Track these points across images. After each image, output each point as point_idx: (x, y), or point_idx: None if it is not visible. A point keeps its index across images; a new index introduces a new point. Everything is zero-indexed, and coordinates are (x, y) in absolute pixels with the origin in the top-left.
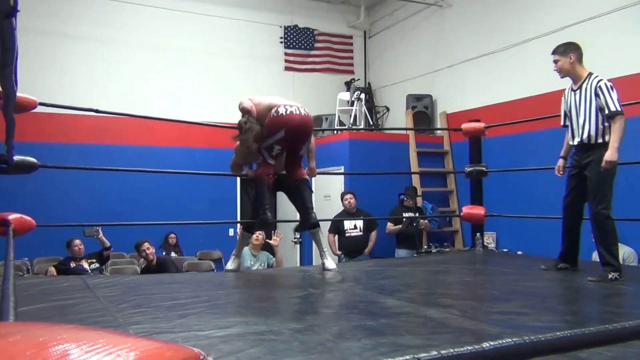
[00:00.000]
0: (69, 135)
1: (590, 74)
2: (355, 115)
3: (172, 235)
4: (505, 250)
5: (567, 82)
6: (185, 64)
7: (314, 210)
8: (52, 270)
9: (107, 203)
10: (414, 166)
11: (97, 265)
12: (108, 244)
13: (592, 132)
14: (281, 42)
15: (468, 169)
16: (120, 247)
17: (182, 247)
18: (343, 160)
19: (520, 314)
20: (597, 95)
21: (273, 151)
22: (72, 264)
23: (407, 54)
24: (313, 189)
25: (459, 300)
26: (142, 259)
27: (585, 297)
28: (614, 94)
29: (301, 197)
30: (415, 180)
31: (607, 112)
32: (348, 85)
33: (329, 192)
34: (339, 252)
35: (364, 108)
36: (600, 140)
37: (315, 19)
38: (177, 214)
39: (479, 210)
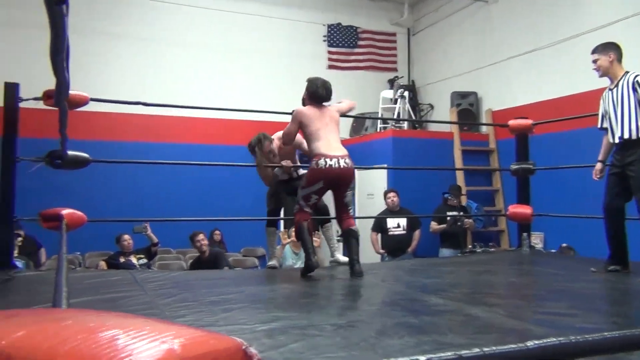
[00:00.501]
0: (118, 134)
1: (626, 72)
2: (398, 113)
3: (217, 232)
4: (553, 250)
5: (606, 83)
6: (229, 62)
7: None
8: (103, 264)
9: (154, 200)
10: (459, 164)
11: (145, 260)
12: (156, 240)
13: (633, 128)
14: (324, 41)
15: (514, 167)
16: (167, 242)
17: (226, 244)
18: (386, 159)
19: (567, 315)
20: (635, 90)
21: (310, 200)
22: (121, 259)
23: (451, 50)
24: (357, 186)
25: (504, 300)
26: (191, 254)
27: (636, 299)
28: None
29: (348, 248)
30: (460, 179)
31: None
32: (391, 83)
33: (372, 190)
34: (381, 251)
35: (407, 106)
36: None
37: (359, 17)
38: (222, 211)
39: (525, 210)
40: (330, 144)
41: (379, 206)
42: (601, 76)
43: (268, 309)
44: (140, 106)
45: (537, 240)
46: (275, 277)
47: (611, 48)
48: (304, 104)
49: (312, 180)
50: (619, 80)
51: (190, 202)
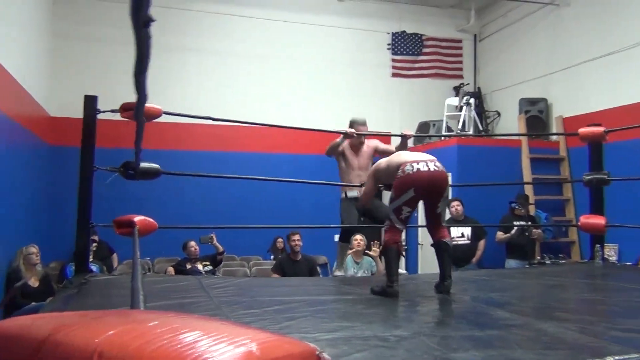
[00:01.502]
0: (187, 143)
1: None
2: (464, 121)
3: (280, 240)
4: (628, 263)
5: None
6: (293, 72)
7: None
8: (170, 270)
9: (219, 207)
10: (527, 173)
11: (210, 267)
12: (222, 249)
13: None
14: (388, 49)
15: (587, 177)
16: (232, 249)
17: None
18: (451, 167)
19: None
20: None
21: (402, 214)
22: (188, 265)
23: (520, 56)
24: None
25: (575, 315)
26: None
27: None
28: None
29: (440, 261)
30: (528, 188)
31: None
32: (457, 90)
33: None
34: None
35: (473, 113)
36: None
37: (424, 24)
38: (285, 219)
39: (598, 220)
40: (413, 153)
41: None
42: None
43: (331, 319)
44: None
45: (611, 252)
46: (338, 286)
47: None
48: None
49: (401, 189)
50: None
51: (254, 209)
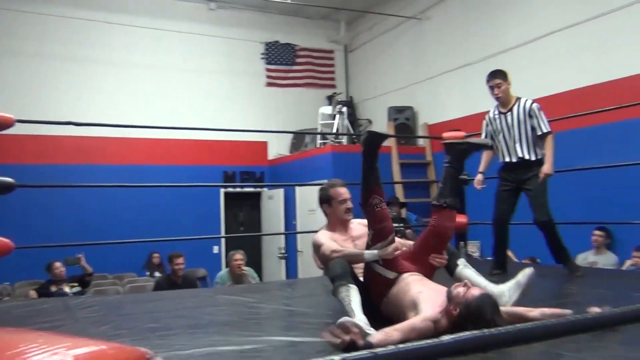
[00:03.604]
0: (51, 157)
1: (517, 97)
2: (337, 129)
3: (156, 255)
4: (489, 258)
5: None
6: (165, 81)
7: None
8: (33, 293)
9: (87, 224)
10: (397, 177)
11: (79, 288)
12: (90, 270)
13: (532, 150)
14: (262, 58)
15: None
16: (103, 268)
17: (165, 267)
18: (326, 174)
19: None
20: (530, 117)
21: None
22: (53, 288)
23: (387, 66)
24: (298, 202)
25: None
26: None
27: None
28: (544, 115)
29: None
30: (399, 192)
31: (540, 132)
32: (330, 99)
33: (313, 206)
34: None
35: (346, 121)
36: (534, 158)
37: (296, 35)
38: (161, 234)
39: (461, 219)
40: None
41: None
42: (501, 100)
43: (207, 333)
44: (72, 127)
45: (474, 248)
46: (214, 299)
47: (507, 76)
48: None
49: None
50: (512, 106)
51: (126, 225)
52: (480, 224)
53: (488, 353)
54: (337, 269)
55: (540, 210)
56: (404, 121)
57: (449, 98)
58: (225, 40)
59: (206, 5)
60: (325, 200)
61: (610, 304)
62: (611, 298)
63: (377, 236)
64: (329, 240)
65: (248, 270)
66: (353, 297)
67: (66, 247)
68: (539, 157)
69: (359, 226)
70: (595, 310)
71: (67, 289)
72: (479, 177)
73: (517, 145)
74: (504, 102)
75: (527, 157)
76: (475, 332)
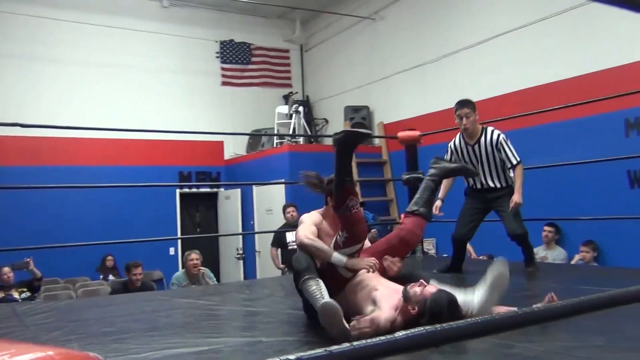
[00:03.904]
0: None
1: (483, 128)
2: (294, 128)
3: (110, 258)
4: (445, 255)
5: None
6: (118, 80)
7: None
8: None
9: (36, 227)
10: (354, 177)
11: (29, 294)
12: (39, 274)
13: (502, 180)
14: (217, 57)
15: (405, 177)
16: (54, 272)
17: (120, 270)
18: (283, 173)
19: None
20: (498, 150)
21: None
22: (1, 294)
23: (343, 66)
24: (255, 202)
25: None
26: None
27: None
28: (511, 146)
29: None
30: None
31: (509, 165)
32: (286, 98)
33: (270, 205)
34: (282, 266)
35: (302, 121)
36: (504, 185)
37: (251, 34)
38: (115, 236)
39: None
40: None
41: (278, 221)
42: (468, 132)
43: (163, 335)
44: (18, 128)
45: (430, 246)
46: (171, 301)
47: (475, 106)
48: None
49: None
50: (479, 137)
51: (78, 227)
52: (435, 221)
53: (441, 347)
54: (302, 261)
55: (517, 225)
56: (360, 120)
57: (404, 97)
58: (179, 39)
59: (158, 2)
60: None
61: (560, 296)
62: (561, 291)
63: (350, 239)
64: (311, 226)
65: (205, 271)
66: (323, 291)
67: (14, 251)
68: (509, 183)
69: None
70: (539, 305)
71: (15, 295)
72: (438, 203)
73: (487, 177)
74: (471, 134)
75: (496, 185)
76: (428, 327)
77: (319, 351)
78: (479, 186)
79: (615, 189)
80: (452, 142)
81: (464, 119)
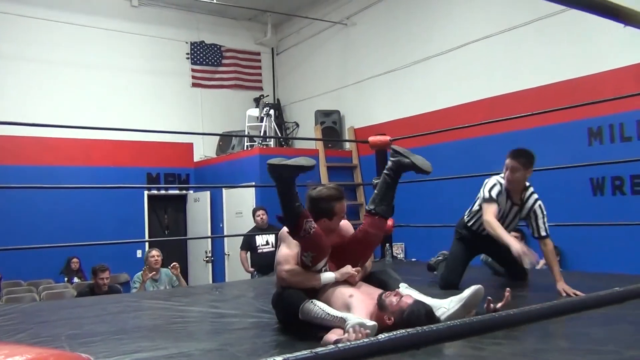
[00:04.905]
0: None
1: (527, 186)
2: (265, 132)
3: (75, 260)
4: (413, 259)
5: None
6: (87, 80)
7: None
8: None
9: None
10: (324, 181)
11: None
12: None
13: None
14: (187, 58)
15: (375, 181)
16: (16, 274)
17: (85, 272)
18: (254, 176)
19: None
20: (529, 216)
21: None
22: None
23: (314, 70)
24: (225, 205)
25: None
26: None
27: None
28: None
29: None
30: None
31: (537, 235)
32: (257, 101)
33: (240, 208)
34: (251, 269)
35: (273, 124)
36: None
37: (222, 35)
38: (81, 238)
39: (387, 222)
40: None
41: (248, 224)
42: (513, 186)
43: (132, 338)
44: None
45: (398, 250)
46: (141, 302)
47: (533, 165)
48: None
49: None
50: (524, 197)
51: (43, 228)
52: (405, 226)
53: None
54: (293, 297)
55: (520, 268)
56: (331, 125)
57: (375, 103)
58: (149, 39)
59: (128, 1)
60: (327, 214)
61: (527, 302)
62: (527, 296)
63: (318, 256)
64: (290, 254)
65: (164, 271)
66: (324, 306)
67: None
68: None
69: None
70: (499, 305)
71: None
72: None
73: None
74: (515, 189)
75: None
76: (410, 330)
77: (304, 353)
78: (484, 233)
79: (578, 196)
80: (499, 182)
81: (517, 172)
